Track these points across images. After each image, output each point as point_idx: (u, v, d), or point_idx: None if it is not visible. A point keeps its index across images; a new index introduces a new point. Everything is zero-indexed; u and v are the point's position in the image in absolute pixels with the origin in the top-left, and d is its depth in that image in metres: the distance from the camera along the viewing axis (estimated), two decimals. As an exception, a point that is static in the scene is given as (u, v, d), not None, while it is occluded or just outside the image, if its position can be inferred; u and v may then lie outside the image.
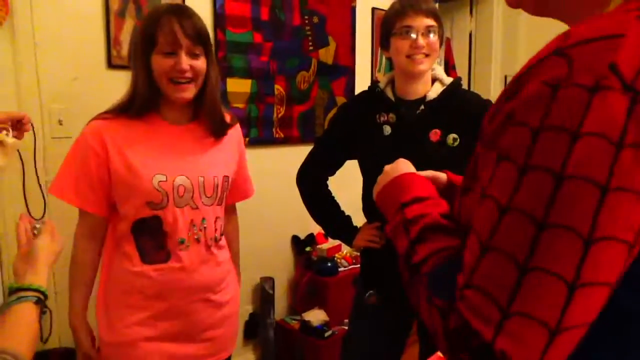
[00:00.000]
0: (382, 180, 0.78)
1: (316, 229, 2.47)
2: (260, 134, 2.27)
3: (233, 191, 1.38)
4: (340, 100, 2.60)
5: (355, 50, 2.63)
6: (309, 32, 2.41)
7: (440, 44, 1.39)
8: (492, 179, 0.48)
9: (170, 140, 1.22)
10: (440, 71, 1.44)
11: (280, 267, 2.48)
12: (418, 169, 1.39)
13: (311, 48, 2.43)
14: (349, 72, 2.62)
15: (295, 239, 2.50)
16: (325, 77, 2.51)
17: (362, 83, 2.71)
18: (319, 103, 2.50)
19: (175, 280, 1.21)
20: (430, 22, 1.34)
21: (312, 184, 1.60)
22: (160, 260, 1.20)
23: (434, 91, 1.40)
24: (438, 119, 1.38)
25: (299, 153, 2.46)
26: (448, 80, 1.43)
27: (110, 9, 1.77)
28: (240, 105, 2.19)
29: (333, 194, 1.61)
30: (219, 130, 1.28)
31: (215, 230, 1.27)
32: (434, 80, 1.44)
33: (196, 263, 1.23)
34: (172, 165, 1.19)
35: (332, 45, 2.52)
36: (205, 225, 1.24)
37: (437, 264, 0.55)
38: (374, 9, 2.71)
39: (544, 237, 0.42)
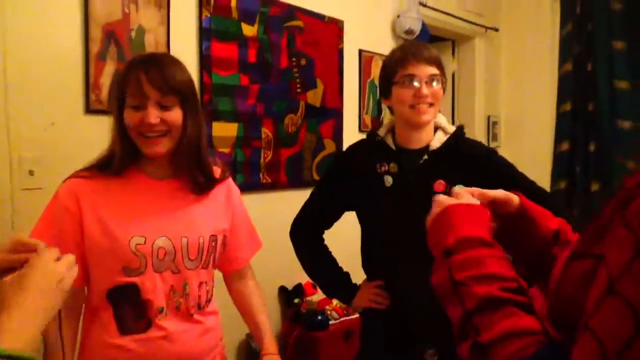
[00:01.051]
0: (429, 217, 0.67)
1: (304, 278, 2.34)
2: (247, 179, 2.17)
3: (238, 252, 1.26)
4: (329, 143, 2.53)
5: (343, 93, 2.58)
6: (296, 75, 2.35)
7: (443, 92, 1.33)
8: (626, 272, 0.38)
9: (150, 197, 1.12)
10: (442, 119, 1.38)
11: (267, 319, 2.32)
12: (422, 221, 1.32)
13: (299, 90, 2.36)
14: (337, 115, 2.56)
15: (282, 290, 2.36)
16: (313, 120, 2.44)
17: (349, 126, 2.65)
18: (307, 146, 2.42)
19: (156, 352, 1.08)
20: (433, 70, 1.28)
21: (307, 237, 1.49)
22: (139, 329, 1.07)
23: (438, 140, 1.33)
24: (442, 169, 1.31)
25: (287, 198, 2.39)
26: (451, 128, 1.36)
27: (90, 51, 1.67)
28: (226, 150, 2.08)
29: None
30: (201, 186, 1.15)
31: (199, 296, 1.14)
32: (436, 128, 1.37)
33: (178, 332, 1.10)
34: (151, 226, 1.09)
35: (320, 87, 2.46)
36: (187, 292, 1.11)
37: (522, 356, 0.44)
38: (360, 51, 2.68)
39: None
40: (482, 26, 3.48)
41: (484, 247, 0.55)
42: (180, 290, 1.11)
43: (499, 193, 0.69)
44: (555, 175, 3.58)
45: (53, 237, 1.05)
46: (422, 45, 1.34)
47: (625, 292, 0.38)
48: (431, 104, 1.28)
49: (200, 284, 1.14)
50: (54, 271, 0.69)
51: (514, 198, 0.71)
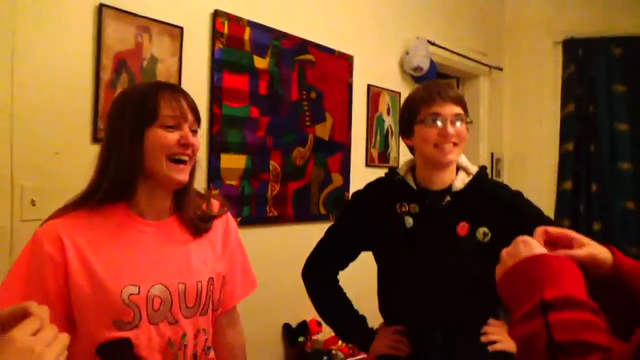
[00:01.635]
0: (509, 257, 0.60)
1: (309, 315, 2.25)
2: (254, 212, 2.11)
3: (232, 290, 1.16)
4: (336, 177, 2.48)
5: (352, 127, 2.56)
6: (306, 108, 2.32)
7: (467, 132, 1.30)
8: None
9: (143, 240, 1.01)
10: (464, 159, 1.35)
11: (269, 360, 2.22)
12: (446, 264, 1.26)
13: (308, 124, 2.34)
14: (345, 149, 2.53)
15: (286, 328, 2.26)
16: (321, 153, 2.40)
17: (357, 160, 2.62)
18: (314, 179, 2.37)
19: None
20: (458, 109, 1.26)
21: (321, 279, 1.43)
22: None
23: (460, 181, 1.29)
24: (466, 211, 1.27)
25: (293, 232, 2.33)
26: (474, 169, 1.33)
27: (101, 80, 1.63)
28: (234, 182, 2.03)
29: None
30: (200, 225, 1.08)
31: (196, 345, 1.05)
32: (458, 168, 1.33)
33: None
34: (146, 273, 0.99)
35: (329, 121, 2.44)
36: (185, 343, 1.02)
37: None
38: (369, 86, 2.68)
39: None
40: (487, 65, 3.51)
41: (591, 314, 0.49)
42: (178, 341, 1.01)
43: (582, 252, 0.61)
44: (559, 214, 3.56)
45: (32, 290, 0.94)
46: (446, 84, 1.33)
47: None
48: (455, 144, 1.25)
49: (198, 332, 1.05)
50: (30, 352, 0.60)
51: (605, 257, 0.62)
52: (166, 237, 1.04)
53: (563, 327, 0.47)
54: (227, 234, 1.16)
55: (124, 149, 0.98)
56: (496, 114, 3.72)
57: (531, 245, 0.59)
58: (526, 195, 1.33)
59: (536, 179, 3.59)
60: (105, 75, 1.65)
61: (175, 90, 1.04)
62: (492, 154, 3.68)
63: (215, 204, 1.15)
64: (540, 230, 0.64)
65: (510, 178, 3.71)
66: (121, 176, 0.98)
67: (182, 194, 1.07)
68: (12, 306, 0.67)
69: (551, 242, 0.64)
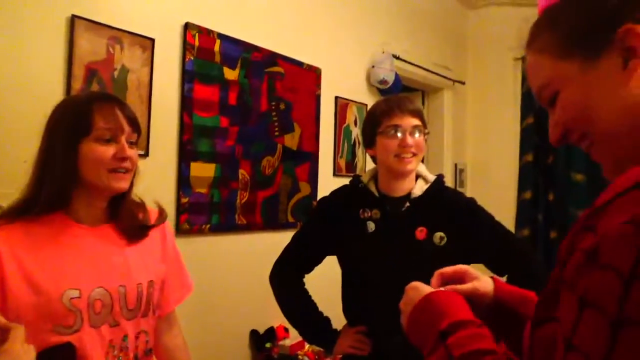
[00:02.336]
0: (406, 306, 0.70)
1: (277, 321, 2.30)
2: (222, 220, 2.15)
3: (168, 295, 1.17)
4: (304, 186, 2.55)
5: (319, 137, 2.64)
6: (275, 118, 2.39)
7: (425, 143, 1.39)
8: (576, 328, 0.42)
9: (82, 245, 1.02)
10: (422, 168, 1.43)
11: (237, 366, 2.25)
12: (405, 266, 1.33)
13: (277, 133, 2.40)
14: (313, 158, 2.60)
15: (254, 334, 2.30)
16: (289, 162, 2.46)
17: (324, 169, 2.69)
18: (283, 188, 2.43)
19: None
20: (416, 121, 1.34)
21: (288, 281, 1.49)
22: None
23: (419, 188, 1.38)
24: (423, 216, 1.35)
25: (262, 240, 2.38)
26: (431, 177, 1.41)
27: (72, 89, 1.66)
28: (203, 190, 2.07)
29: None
30: (138, 232, 1.10)
31: (137, 347, 1.06)
32: (417, 177, 1.42)
33: None
34: (86, 276, 0.99)
35: (297, 131, 2.51)
36: (127, 344, 1.04)
37: None
38: (337, 98, 2.76)
39: None
40: (450, 79, 3.66)
41: (476, 328, 0.59)
42: (119, 343, 1.02)
43: (468, 287, 0.71)
44: (519, 222, 3.71)
45: None
46: (405, 97, 1.40)
47: (581, 347, 0.42)
48: (414, 154, 1.34)
49: (139, 333, 1.07)
50: None
51: (486, 287, 0.72)
52: (104, 242, 1.05)
53: (458, 345, 0.57)
54: (164, 240, 1.17)
55: (57, 162, 0.98)
56: (459, 125, 3.87)
57: (419, 289, 0.69)
58: (488, 204, 1.41)
59: (498, 187, 3.74)
60: (77, 85, 1.68)
61: (111, 101, 1.03)
62: (455, 165, 3.82)
63: (154, 213, 1.16)
64: (436, 274, 0.76)
65: (472, 187, 3.85)
66: (56, 188, 0.98)
67: (118, 202, 1.07)
68: None
69: (446, 281, 0.75)
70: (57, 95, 1.65)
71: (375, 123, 1.35)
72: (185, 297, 1.24)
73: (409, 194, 1.37)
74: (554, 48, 0.57)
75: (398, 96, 1.41)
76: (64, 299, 0.95)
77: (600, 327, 0.39)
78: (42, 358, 0.89)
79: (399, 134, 1.32)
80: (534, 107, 3.70)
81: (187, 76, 2.00)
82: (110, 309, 1.01)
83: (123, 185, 1.03)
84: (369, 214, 1.37)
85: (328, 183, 2.64)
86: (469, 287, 0.71)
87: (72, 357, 0.94)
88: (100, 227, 1.06)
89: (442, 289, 0.73)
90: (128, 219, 1.08)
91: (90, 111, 0.99)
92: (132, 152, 1.03)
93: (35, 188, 0.99)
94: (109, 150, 1.00)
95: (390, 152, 1.32)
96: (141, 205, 1.14)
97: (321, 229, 1.44)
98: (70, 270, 0.98)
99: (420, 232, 1.34)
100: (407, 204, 1.35)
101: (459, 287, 0.71)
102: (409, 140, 1.31)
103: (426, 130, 1.38)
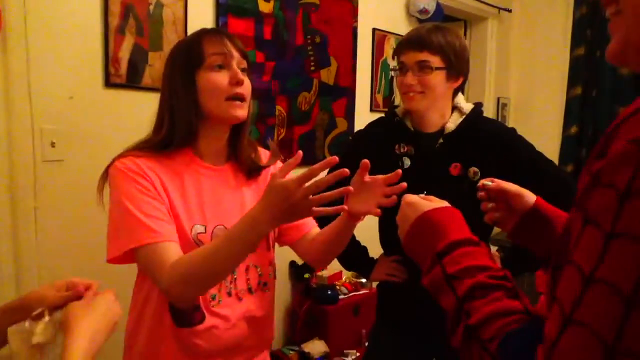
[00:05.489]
0: (402, 222, 0.70)
1: (315, 254, 2.38)
2: (260, 156, 2.19)
3: (289, 227, 1.22)
4: (341, 121, 2.54)
5: (356, 72, 2.59)
6: (311, 52, 2.35)
7: (449, 79, 1.30)
8: (577, 243, 0.43)
9: (208, 183, 1.06)
10: (460, 99, 1.38)
11: (277, 294, 2.36)
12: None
13: (313, 68, 2.37)
14: (350, 93, 2.57)
15: (293, 265, 2.40)
16: (326, 98, 2.44)
17: (362, 104, 2.66)
18: (319, 124, 2.43)
19: (215, 340, 1.05)
20: (423, 56, 1.25)
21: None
22: (195, 322, 1.03)
23: (453, 122, 1.34)
24: (458, 152, 1.32)
25: (299, 176, 2.41)
26: (468, 107, 1.36)
27: (109, 25, 1.68)
28: (241, 127, 2.10)
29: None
30: (254, 172, 1.13)
31: (248, 280, 1.11)
32: (454, 108, 1.38)
33: (234, 319, 1.07)
34: (210, 214, 1.04)
35: (334, 65, 2.46)
36: (235, 276, 1.09)
37: (505, 332, 0.50)
38: (374, 30, 2.67)
39: (634, 318, 0.37)
40: (495, 7, 3.45)
41: (472, 246, 0.60)
42: (230, 276, 1.07)
43: (512, 186, 0.75)
44: (563, 158, 3.60)
45: (157, 201, 0.97)
46: (423, 28, 1.29)
47: (577, 261, 0.43)
48: (421, 92, 1.27)
49: (247, 267, 1.10)
50: (116, 311, 0.77)
51: (528, 195, 0.78)
52: (224, 180, 1.09)
53: (452, 262, 0.58)
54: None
55: (180, 98, 1.01)
56: (504, 57, 3.69)
57: (416, 205, 0.68)
58: (531, 140, 1.35)
59: (542, 123, 3.60)
60: (114, 21, 1.69)
61: (217, 31, 1.05)
62: (498, 99, 3.68)
63: (265, 154, 1.19)
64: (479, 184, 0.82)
65: (515, 123, 3.72)
66: (184, 123, 1.01)
67: (237, 135, 1.09)
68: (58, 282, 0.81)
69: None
70: (95, 32, 1.67)
71: (395, 59, 1.32)
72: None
73: (443, 128, 1.34)
74: None
75: (423, 26, 1.33)
76: (192, 233, 1.01)
77: (594, 240, 0.41)
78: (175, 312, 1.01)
79: (403, 71, 1.28)
80: (586, 37, 3.47)
81: (222, 9, 1.97)
82: None
83: (240, 113, 1.03)
84: (405, 150, 1.36)
85: (365, 119, 2.60)
86: (515, 189, 0.76)
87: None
88: (220, 167, 1.09)
89: (495, 183, 0.80)
90: (246, 158, 1.11)
91: (199, 42, 1.02)
92: (245, 78, 1.03)
93: (169, 125, 1.02)
94: (224, 77, 1.01)
95: (400, 90, 1.29)
96: (253, 144, 1.16)
97: (357, 162, 1.44)
98: (198, 206, 1.03)
99: (455, 168, 1.33)
100: (441, 139, 1.33)
101: (505, 184, 0.73)
102: (409, 78, 1.26)
103: (441, 65, 1.27)
